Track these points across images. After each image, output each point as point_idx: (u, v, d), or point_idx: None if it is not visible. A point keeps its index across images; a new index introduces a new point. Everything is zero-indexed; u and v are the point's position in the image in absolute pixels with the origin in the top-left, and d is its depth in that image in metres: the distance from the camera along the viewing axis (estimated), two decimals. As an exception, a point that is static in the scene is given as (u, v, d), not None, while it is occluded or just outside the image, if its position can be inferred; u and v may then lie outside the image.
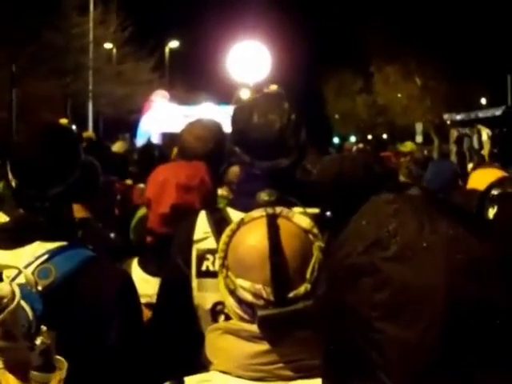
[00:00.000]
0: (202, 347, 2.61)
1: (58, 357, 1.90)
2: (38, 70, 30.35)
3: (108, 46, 38.40)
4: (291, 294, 1.71)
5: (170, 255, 2.74)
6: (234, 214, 2.63)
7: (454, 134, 17.77)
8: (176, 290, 2.69)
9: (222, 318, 2.61)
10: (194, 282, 2.64)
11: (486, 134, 14.99)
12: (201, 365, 2.61)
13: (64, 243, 2.47)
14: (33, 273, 2.28)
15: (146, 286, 2.87)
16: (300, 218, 1.83)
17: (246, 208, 2.60)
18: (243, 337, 1.73)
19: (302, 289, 1.72)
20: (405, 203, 1.07)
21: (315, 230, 1.83)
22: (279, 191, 2.60)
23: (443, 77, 35.42)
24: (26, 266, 2.33)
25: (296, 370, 1.68)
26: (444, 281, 0.98)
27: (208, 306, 2.63)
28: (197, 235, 2.66)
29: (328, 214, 2.77)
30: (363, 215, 1.10)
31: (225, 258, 1.82)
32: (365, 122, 54.19)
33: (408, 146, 11.04)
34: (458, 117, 22.95)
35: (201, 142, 3.52)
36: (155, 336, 2.66)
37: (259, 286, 1.72)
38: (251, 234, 1.78)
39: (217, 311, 2.63)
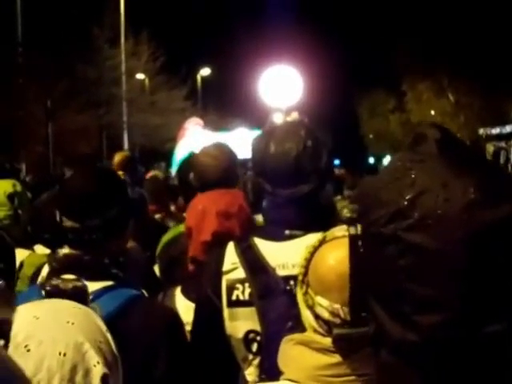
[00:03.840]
0: (238, 375, 2.64)
1: None
2: (72, 104, 30.68)
3: (140, 76, 38.74)
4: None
5: (201, 287, 2.78)
6: (261, 244, 2.68)
7: (490, 148, 17.70)
8: (209, 321, 2.72)
9: (255, 346, 2.65)
10: (226, 312, 2.67)
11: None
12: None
13: (109, 283, 2.50)
14: None
15: (190, 313, 2.87)
16: None
17: (274, 237, 2.67)
18: (315, 348, 1.76)
19: None
20: (422, 170, 1.14)
21: None
22: (300, 216, 2.63)
23: (476, 91, 35.26)
24: None
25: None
26: (460, 245, 1.07)
27: (240, 335, 2.66)
28: (225, 266, 2.69)
29: None
30: (384, 180, 1.19)
31: (305, 274, 1.85)
32: (399, 141, 54.00)
33: None
34: (493, 131, 22.83)
35: (216, 161, 3.58)
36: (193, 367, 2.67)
37: (337, 306, 1.75)
38: (333, 254, 1.81)
39: (249, 339, 2.66)
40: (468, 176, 1.12)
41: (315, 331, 1.80)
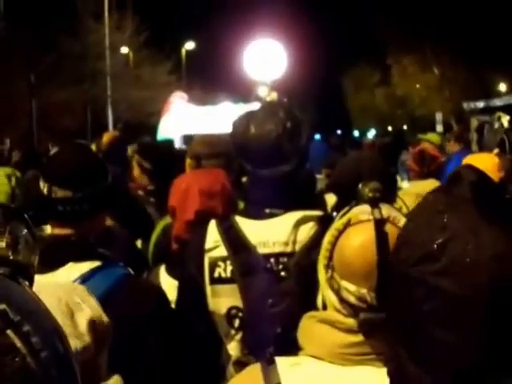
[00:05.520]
0: (221, 349, 2.71)
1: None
2: (56, 79, 30.53)
3: (124, 50, 38.55)
4: None
5: (184, 265, 2.85)
6: (242, 222, 2.76)
7: (474, 122, 17.71)
8: (192, 298, 2.79)
9: (237, 322, 2.73)
10: (208, 288, 2.75)
11: (506, 120, 14.92)
12: (222, 365, 2.72)
13: (97, 263, 2.53)
14: None
15: (174, 291, 2.93)
16: None
17: (255, 216, 2.74)
18: (338, 328, 1.79)
19: None
20: (454, 215, 1.14)
21: None
22: (281, 195, 2.70)
23: (461, 65, 35.27)
24: None
25: (385, 362, 1.72)
26: (485, 294, 1.08)
27: (222, 311, 2.74)
28: (208, 244, 2.76)
29: (334, 214, 2.87)
30: (416, 220, 1.21)
31: (330, 258, 1.84)
32: (384, 115, 54.05)
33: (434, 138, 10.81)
34: (478, 105, 22.86)
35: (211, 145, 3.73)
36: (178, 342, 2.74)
37: (364, 291, 1.75)
38: (359, 239, 1.79)
39: (231, 315, 2.74)
40: (500, 225, 1.13)
41: (338, 311, 1.81)
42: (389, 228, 1.77)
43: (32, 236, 1.28)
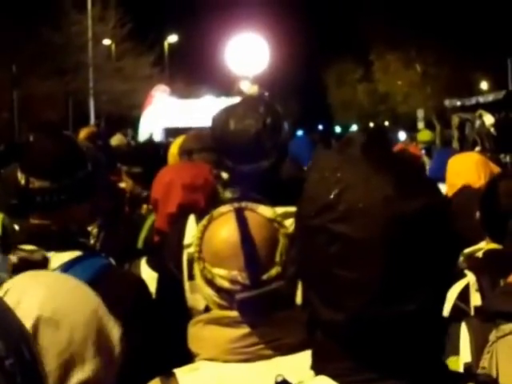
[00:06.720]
0: None
1: None
2: (38, 70, 30.38)
3: (107, 42, 38.36)
4: (264, 277, 1.86)
5: (163, 259, 2.84)
6: None
7: (455, 119, 17.79)
8: (171, 293, 2.79)
9: None
10: (187, 284, 2.73)
11: (487, 118, 14.97)
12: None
13: (78, 253, 2.51)
14: None
15: (154, 283, 2.92)
16: (264, 209, 1.98)
17: None
18: (224, 323, 1.85)
19: (274, 271, 1.87)
20: (346, 170, 1.28)
21: (279, 219, 1.96)
22: (262, 191, 2.71)
23: (443, 63, 35.38)
24: None
25: (275, 349, 1.83)
26: (379, 234, 1.22)
27: (201, 306, 2.70)
28: (187, 240, 2.75)
29: None
30: (314, 178, 1.33)
31: (200, 251, 1.94)
32: (366, 110, 54.10)
33: (426, 136, 10.80)
34: (459, 102, 22.92)
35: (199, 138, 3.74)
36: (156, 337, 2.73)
37: (235, 273, 1.85)
38: (222, 227, 1.93)
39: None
40: (386, 174, 1.27)
41: (220, 307, 1.89)
42: (248, 213, 1.93)
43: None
